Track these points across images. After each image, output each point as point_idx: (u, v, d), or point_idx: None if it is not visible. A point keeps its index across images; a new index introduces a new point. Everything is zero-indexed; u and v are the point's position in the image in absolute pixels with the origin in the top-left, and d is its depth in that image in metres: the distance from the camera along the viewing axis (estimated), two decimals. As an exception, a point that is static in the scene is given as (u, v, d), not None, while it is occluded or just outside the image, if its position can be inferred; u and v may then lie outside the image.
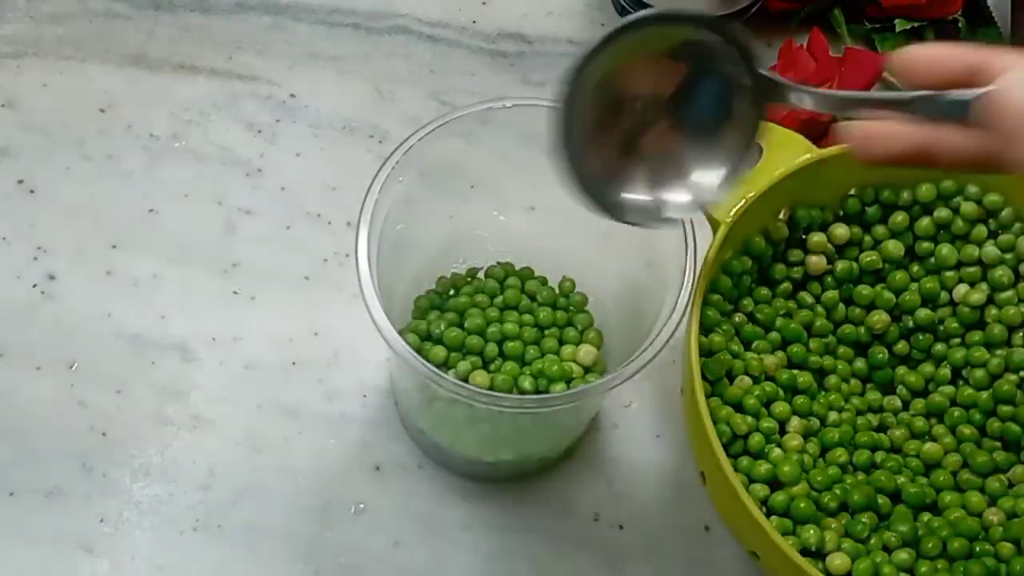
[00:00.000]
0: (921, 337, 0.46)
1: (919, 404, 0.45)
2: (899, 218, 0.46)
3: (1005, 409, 0.44)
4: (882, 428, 0.45)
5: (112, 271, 0.50)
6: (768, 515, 0.40)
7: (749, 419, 0.42)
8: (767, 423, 0.42)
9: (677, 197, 0.38)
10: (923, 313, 0.45)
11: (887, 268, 0.46)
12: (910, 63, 0.33)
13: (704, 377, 0.42)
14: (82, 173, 0.53)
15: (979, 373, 0.45)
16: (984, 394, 0.44)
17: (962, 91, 0.32)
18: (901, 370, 0.46)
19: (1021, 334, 0.45)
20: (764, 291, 0.46)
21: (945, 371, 0.45)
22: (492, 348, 0.45)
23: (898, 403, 0.46)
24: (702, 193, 0.38)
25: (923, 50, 0.33)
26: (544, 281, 0.47)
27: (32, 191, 0.52)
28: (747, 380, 0.43)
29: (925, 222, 0.46)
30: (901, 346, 0.46)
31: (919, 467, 0.44)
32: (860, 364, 0.46)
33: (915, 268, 0.46)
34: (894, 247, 0.46)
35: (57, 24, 0.56)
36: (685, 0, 0.55)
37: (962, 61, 0.32)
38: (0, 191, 0.52)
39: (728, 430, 0.42)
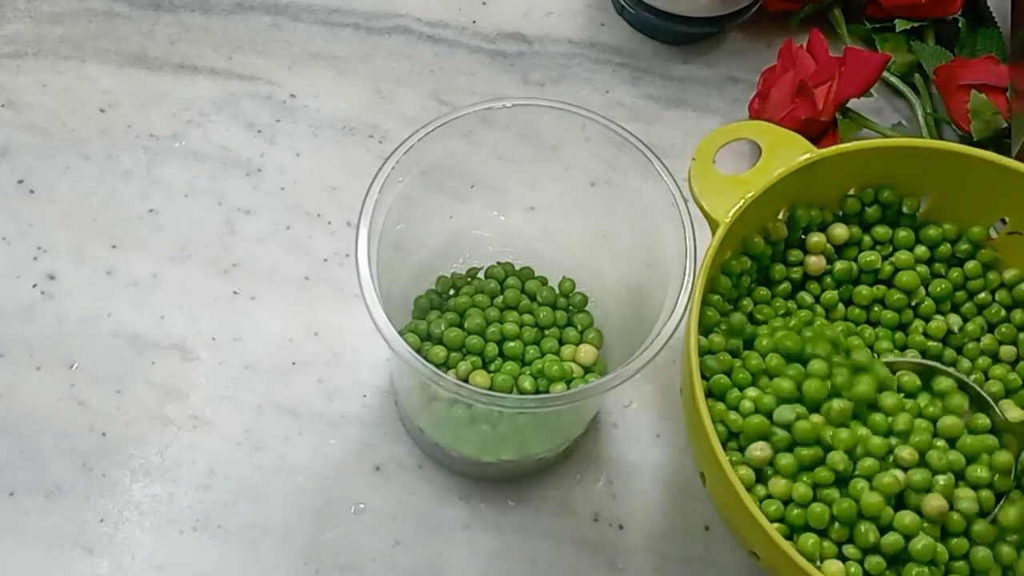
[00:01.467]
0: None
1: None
2: (903, 234, 0.47)
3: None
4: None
5: (112, 271, 0.50)
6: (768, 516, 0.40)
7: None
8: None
9: None
10: (934, 324, 0.46)
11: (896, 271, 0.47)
12: None
13: (704, 377, 0.42)
14: (82, 173, 0.53)
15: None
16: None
17: None
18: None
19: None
20: (763, 291, 0.46)
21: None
22: (492, 348, 0.45)
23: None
24: None
25: None
26: (544, 281, 0.47)
27: (32, 191, 0.52)
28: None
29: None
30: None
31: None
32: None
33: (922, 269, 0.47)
34: (905, 257, 0.46)
35: (57, 24, 0.56)
36: (683, 0, 0.55)
37: None
38: (0, 191, 0.52)
39: (727, 430, 0.42)
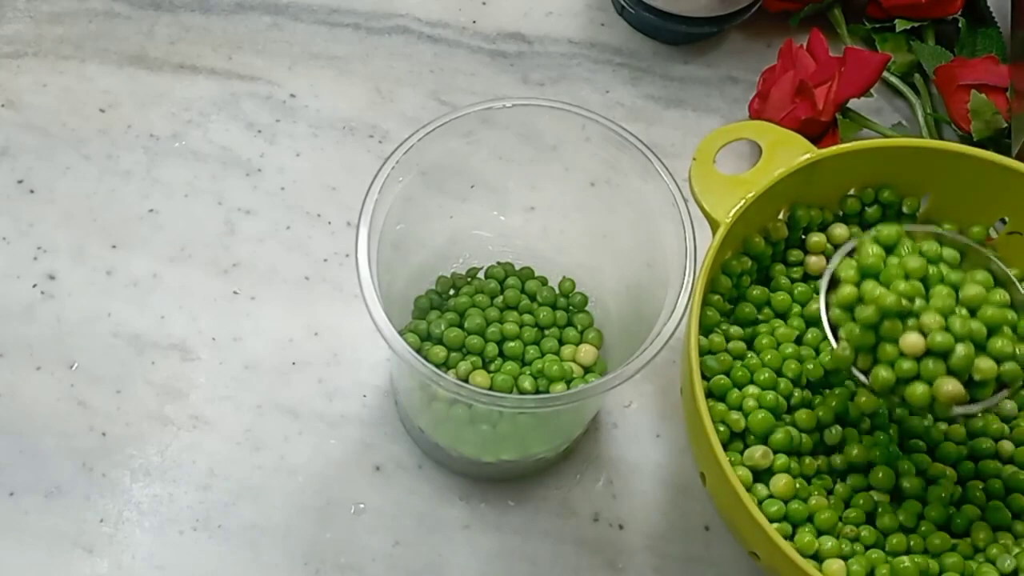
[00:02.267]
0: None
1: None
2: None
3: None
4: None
5: (112, 271, 0.50)
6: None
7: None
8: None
9: None
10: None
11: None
12: None
13: (704, 377, 0.42)
14: (82, 173, 0.53)
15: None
16: None
17: None
18: None
19: None
20: (763, 291, 0.46)
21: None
22: (492, 348, 0.45)
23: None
24: None
25: None
26: (544, 281, 0.47)
27: (32, 191, 0.52)
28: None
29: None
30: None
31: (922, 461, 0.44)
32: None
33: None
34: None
35: (57, 24, 0.56)
36: (683, 0, 0.55)
37: None
38: (0, 191, 0.52)
39: (727, 430, 0.42)
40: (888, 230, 0.39)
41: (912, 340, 0.36)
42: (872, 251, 0.38)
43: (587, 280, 0.47)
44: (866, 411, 0.43)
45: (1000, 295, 0.38)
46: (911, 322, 0.37)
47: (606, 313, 0.47)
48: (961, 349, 0.36)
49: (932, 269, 0.38)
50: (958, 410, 0.37)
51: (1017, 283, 0.39)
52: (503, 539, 0.46)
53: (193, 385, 0.48)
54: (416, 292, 0.47)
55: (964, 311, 0.37)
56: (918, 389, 0.37)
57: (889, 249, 0.39)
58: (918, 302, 0.37)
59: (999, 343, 0.37)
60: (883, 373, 0.37)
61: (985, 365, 0.36)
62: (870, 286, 0.37)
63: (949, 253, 0.39)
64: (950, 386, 0.36)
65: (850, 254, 0.40)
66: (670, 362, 0.48)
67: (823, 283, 0.40)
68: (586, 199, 0.45)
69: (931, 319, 0.36)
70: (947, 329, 0.36)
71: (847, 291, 0.38)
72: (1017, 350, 0.37)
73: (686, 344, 0.40)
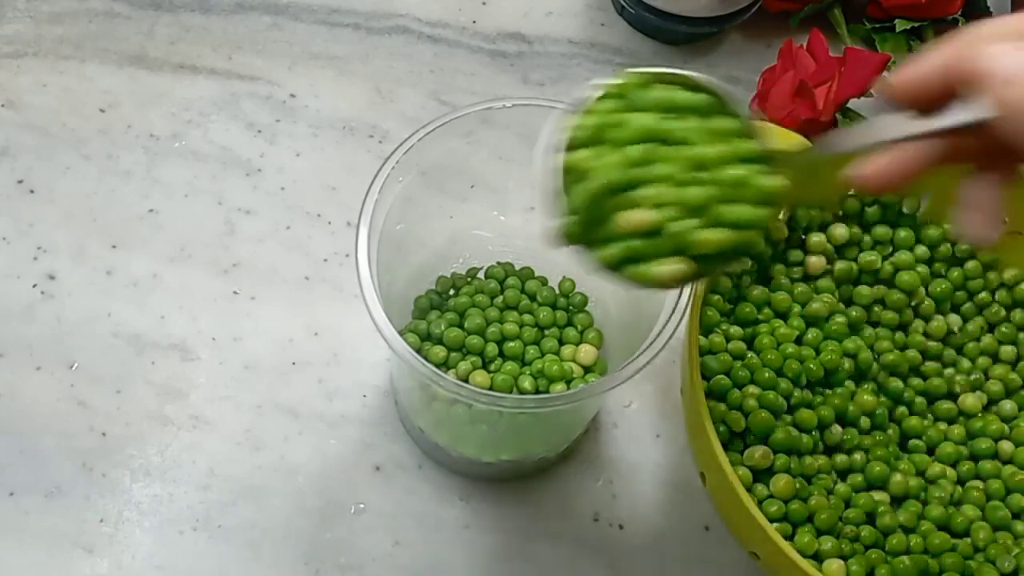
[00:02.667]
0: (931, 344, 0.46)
1: (922, 404, 0.45)
2: (903, 234, 0.47)
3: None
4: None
5: (112, 271, 0.50)
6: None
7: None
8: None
9: None
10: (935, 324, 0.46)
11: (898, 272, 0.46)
12: (898, 94, 0.32)
13: (704, 377, 0.42)
14: (82, 173, 0.53)
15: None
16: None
17: (959, 118, 0.31)
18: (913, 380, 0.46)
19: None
20: (763, 291, 0.46)
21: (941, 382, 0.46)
22: (492, 348, 0.45)
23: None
24: None
25: (905, 80, 0.31)
26: (544, 281, 0.47)
27: (32, 191, 0.52)
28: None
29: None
30: (913, 354, 0.46)
31: (922, 461, 0.44)
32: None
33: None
34: (906, 257, 0.46)
35: (57, 24, 0.56)
36: (683, 0, 0.55)
37: (944, 78, 0.31)
38: (0, 191, 0.52)
39: (727, 430, 0.42)
40: (629, 78, 0.33)
41: (627, 217, 0.32)
42: (603, 109, 0.33)
43: (587, 280, 0.47)
44: (866, 411, 0.44)
45: (740, 147, 0.33)
46: (631, 196, 0.32)
47: (606, 313, 0.47)
48: (678, 227, 0.32)
49: (670, 125, 0.33)
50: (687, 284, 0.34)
51: (770, 127, 0.34)
52: (503, 539, 0.46)
53: (193, 385, 0.48)
54: (416, 292, 0.47)
55: (693, 176, 0.32)
56: (637, 269, 0.33)
57: (628, 101, 0.34)
58: (643, 171, 0.32)
59: (728, 211, 0.32)
60: (603, 252, 0.33)
61: (712, 237, 0.32)
62: (595, 154, 0.33)
63: (697, 99, 0.33)
64: (659, 268, 0.32)
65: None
66: (670, 362, 0.48)
67: (549, 135, 0.35)
68: (586, 199, 0.45)
69: (648, 193, 0.32)
70: (673, 205, 0.32)
71: (577, 156, 0.34)
72: (751, 215, 0.33)
73: (686, 344, 0.40)
